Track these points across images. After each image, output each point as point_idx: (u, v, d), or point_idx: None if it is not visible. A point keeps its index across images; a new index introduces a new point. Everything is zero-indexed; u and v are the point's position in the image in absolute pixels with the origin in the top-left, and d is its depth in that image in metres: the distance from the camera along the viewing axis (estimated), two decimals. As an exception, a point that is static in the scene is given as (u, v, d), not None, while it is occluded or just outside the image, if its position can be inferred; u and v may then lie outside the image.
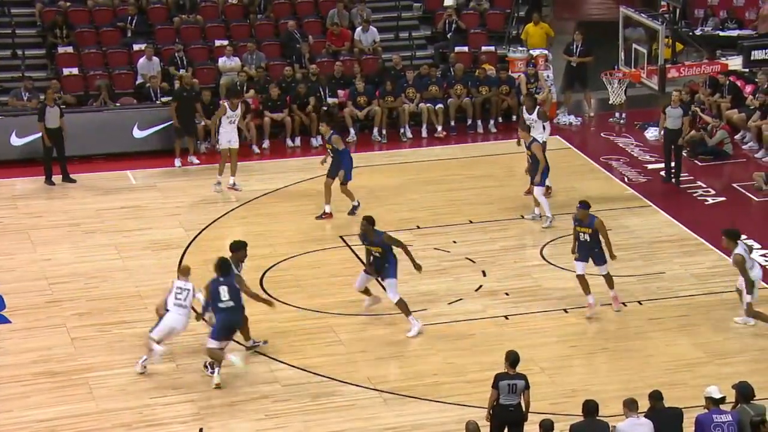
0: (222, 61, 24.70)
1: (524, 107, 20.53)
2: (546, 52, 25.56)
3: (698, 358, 15.16)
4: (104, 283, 17.34)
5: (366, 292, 16.23)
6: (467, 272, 17.70)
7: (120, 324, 16.24)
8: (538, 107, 20.47)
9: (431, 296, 16.94)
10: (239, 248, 15.43)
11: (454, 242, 18.78)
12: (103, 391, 14.61)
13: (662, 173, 21.42)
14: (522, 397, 12.58)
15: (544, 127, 20.24)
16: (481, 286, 17.24)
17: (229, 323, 14.74)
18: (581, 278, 16.12)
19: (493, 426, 12.55)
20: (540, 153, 19.16)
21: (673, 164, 21.16)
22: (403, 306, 15.74)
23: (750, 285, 15.65)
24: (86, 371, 15.04)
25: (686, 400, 13.20)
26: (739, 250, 15.57)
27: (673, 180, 21.18)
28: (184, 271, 15.25)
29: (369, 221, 15.72)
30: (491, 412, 12.60)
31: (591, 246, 16.01)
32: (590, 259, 16.05)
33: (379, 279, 15.99)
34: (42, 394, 14.60)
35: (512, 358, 12.69)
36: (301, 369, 15.03)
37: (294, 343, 15.64)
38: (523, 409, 12.62)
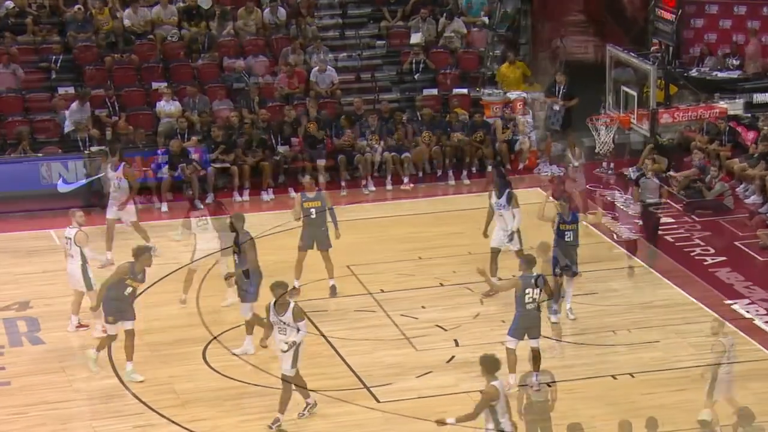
0: (160, 106, 24.72)
1: (491, 190, 18.85)
2: (524, 95, 25.77)
3: (698, 438, 15.12)
4: (22, 358, 17.08)
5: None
6: (437, 341, 17.65)
7: (40, 405, 16.04)
8: (508, 190, 18.73)
9: (397, 369, 16.87)
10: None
11: (423, 308, 18.76)
12: (20, 481, 14.44)
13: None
14: None
15: (513, 215, 18.66)
16: (453, 357, 17.20)
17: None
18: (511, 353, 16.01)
19: None
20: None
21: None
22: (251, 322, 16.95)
23: None
24: (1, 459, 14.89)
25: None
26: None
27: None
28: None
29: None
30: None
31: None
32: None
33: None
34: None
35: None
36: (247, 453, 14.92)
37: (240, 422, 15.49)
38: None
